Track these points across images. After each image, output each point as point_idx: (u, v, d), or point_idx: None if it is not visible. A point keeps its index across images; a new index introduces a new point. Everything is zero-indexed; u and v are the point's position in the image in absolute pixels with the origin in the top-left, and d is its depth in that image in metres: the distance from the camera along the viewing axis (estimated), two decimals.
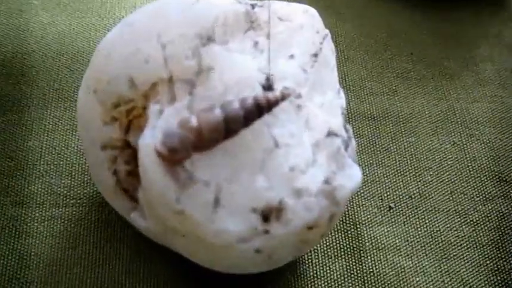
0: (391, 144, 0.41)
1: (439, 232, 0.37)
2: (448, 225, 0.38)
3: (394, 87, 0.43)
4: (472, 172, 0.40)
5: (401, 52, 0.45)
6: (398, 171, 0.40)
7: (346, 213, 0.37)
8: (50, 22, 0.44)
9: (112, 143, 0.31)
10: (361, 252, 0.36)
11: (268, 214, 0.29)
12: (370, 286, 0.35)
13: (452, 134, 0.41)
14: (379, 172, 0.39)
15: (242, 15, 0.31)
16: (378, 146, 0.40)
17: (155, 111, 0.29)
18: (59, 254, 0.35)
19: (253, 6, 0.32)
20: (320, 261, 0.36)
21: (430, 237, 0.37)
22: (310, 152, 0.30)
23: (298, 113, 0.30)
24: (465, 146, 0.41)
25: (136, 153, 0.31)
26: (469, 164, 0.40)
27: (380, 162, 0.40)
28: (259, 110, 0.29)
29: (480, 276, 0.36)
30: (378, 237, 0.37)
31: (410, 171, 0.40)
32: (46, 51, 0.42)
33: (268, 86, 0.30)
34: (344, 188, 0.30)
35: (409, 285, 0.35)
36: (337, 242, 0.37)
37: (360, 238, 0.37)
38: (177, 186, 0.27)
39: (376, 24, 0.46)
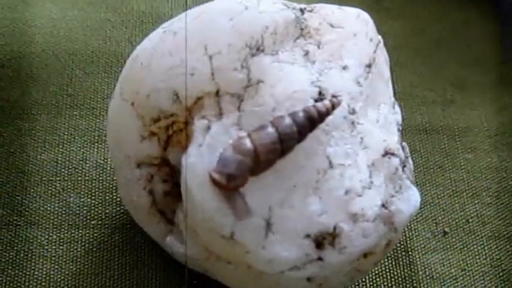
0: (445, 161, 0.45)
1: (499, 260, 0.42)
2: (510, 253, 0.43)
3: (448, 96, 0.48)
4: None
5: (456, 55, 0.50)
6: (454, 191, 0.44)
7: None
8: (60, 17, 0.48)
9: (149, 160, 0.36)
10: (414, 281, 0.41)
11: (322, 240, 0.33)
12: None
13: None
14: (432, 192, 0.44)
15: (292, 22, 0.36)
16: (431, 163, 0.45)
17: (201, 127, 0.34)
18: (80, 280, 0.39)
19: (302, 11, 0.37)
20: None
21: (489, 265, 0.42)
22: (367, 173, 0.34)
23: (352, 130, 0.35)
24: None
25: (174, 171, 0.36)
26: None
27: (434, 182, 0.45)
28: (311, 122, 0.34)
29: None
30: (432, 266, 0.42)
31: (467, 191, 0.44)
32: (56, 50, 0.47)
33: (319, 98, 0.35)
34: (402, 212, 0.35)
35: None
36: (388, 270, 0.41)
37: (412, 266, 0.41)
38: (233, 217, 0.32)
39: (428, 22, 0.51)
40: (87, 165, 0.43)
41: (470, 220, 0.43)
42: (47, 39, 0.47)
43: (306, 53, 0.36)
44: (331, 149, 0.34)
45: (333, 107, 0.35)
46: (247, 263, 0.33)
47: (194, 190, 0.33)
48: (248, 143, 0.32)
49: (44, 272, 0.40)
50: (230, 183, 0.32)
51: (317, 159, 0.34)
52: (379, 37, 0.39)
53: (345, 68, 0.36)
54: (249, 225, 0.32)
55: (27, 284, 0.39)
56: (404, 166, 0.36)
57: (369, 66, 0.37)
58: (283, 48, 0.35)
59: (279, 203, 0.33)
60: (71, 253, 0.40)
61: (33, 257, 0.40)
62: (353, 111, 0.35)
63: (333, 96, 0.35)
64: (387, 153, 0.35)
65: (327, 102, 0.34)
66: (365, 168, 0.34)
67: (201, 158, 0.33)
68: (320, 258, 0.33)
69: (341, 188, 0.34)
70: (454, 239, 0.43)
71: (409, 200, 0.35)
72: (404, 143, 0.37)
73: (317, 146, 0.34)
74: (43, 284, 0.39)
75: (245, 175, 0.32)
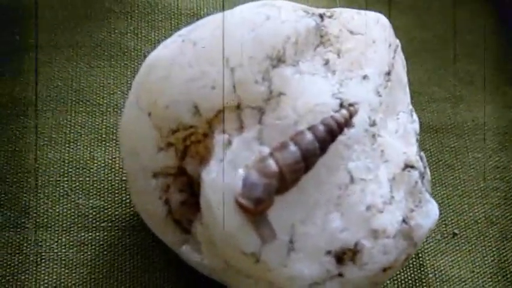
0: (454, 161, 0.46)
1: (508, 262, 0.43)
2: None
3: (457, 93, 0.48)
4: None
5: (465, 51, 0.49)
6: (463, 192, 0.45)
7: None
8: (62, 6, 0.47)
9: (166, 170, 0.35)
10: (424, 284, 0.41)
11: (343, 256, 0.33)
12: None
13: None
14: (442, 193, 0.44)
15: (312, 30, 0.35)
16: (440, 162, 0.45)
17: (222, 142, 0.33)
18: (91, 284, 0.39)
19: (321, 17, 0.36)
20: None
21: (498, 267, 0.42)
22: (387, 188, 0.34)
23: (373, 143, 0.35)
24: None
25: (191, 181, 0.36)
26: None
27: (442, 182, 0.45)
28: (331, 135, 0.33)
29: None
30: (442, 268, 0.42)
31: (476, 192, 0.45)
32: (60, 43, 0.45)
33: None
34: (422, 227, 0.35)
35: None
36: (398, 273, 0.42)
37: (422, 269, 0.42)
38: (259, 240, 0.31)
39: (436, 17, 0.50)
40: (95, 164, 0.42)
41: (479, 221, 0.44)
42: (49, 30, 0.45)
43: (326, 62, 0.35)
44: (352, 163, 0.34)
45: (351, 116, 0.34)
46: (268, 279, 0.33)
47: (215, 206, 0.33)
48: (273, 165, 0.32)
49: (54, 276, 0.39)
50: (258, 208, 0.31)
51: (338, 174, 0.34)
52: (397, 41, 0.38)
53: (365, 77, 0.36)
54: (272, 243, 0.32)
55: None
56: (423, 178, 0.36)
57: (388, 73, 0.37)
58: (303, 58, 0.35)
59: (301, 220, 0.33)
60: (81, 256, 0.40)
61: (43, 260, 0.39)
62: (373, 123, 0.35)
63: (349, 104, 0.34)
64: (407, 166, 0.35)
65: (344, 112, 0.34)
66: (386, 183, 0.34)
67: (222, 174, 0.33)
68: (340, 274, 0.33)
69: (362, 204, 0.34)
70: (463, 241, 0.43)
71: (429, 214, 0.35)
72: (422, 153, 0.37)
73: (339, 161, 0.34)
74: None
75: (272, 197, 0.32)
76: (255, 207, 0.31)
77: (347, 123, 0.34)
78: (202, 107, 0.33)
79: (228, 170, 0.33)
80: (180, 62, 0.34)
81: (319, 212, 0.33)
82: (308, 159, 0.33)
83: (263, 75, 0.33)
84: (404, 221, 0.34)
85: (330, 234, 0.33)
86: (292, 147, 0.33)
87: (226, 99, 0.33)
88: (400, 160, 0.35)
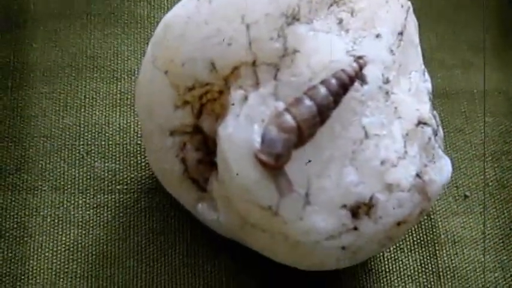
0: (465, 125, 0.46)
1: None
2: None
3: (468, 59, 0.48)
4: None
5: (476, 17, 0.50)
6: (474, 155, 0.45)
7: None
8: None
9: (182, 129, 0.36)
10: (436, 245, 0.42)
11: (358, 210, 0.34)
12: (445, 282, 0.41)
13: None
14: (453, 156, 0.45)
15: None
16: (451, 127, 0.46)
17: (238, 97, 0.34)
18: (109, 245, 0.40)
19: None
20: (392, 256, 0.41)
21: (508, 228, 0.43)
22: (401, 144, 0.35)
23: (387, 100, 0.35)
24: None
25: (207, 139, 0.36)
26: None
27: (454, 146, 0.45)
28: (344, 88, 0.34)
29: None
30: (454, 229, 0.42)
31: (487, 155, 0.45)
32: (74, 11, 0.46)
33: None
34: (435, 182, 0.35)
35: (487, 282, 0.41)
36: (410, 234, 0.42)
37: (434, 230, 0.42)
38: (277, 192, 0.32)
39: None
40: (110, 129, 0.43)
41: (490, 184, 0.44)
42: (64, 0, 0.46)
43: (340, 21, 0.36)
44: (366, 119, 0.34)
45: (361, 68, 0.35)
46: (284, 233, 0.34)
47: (231, 161, 0.33)
48: (290, 120, 0.32)
49: (72, 238, 0.40)
50: (278, 163, 0.32)
51: (353, 129, 0.34)
52: (409, 2, 0.39)
53: (378, 36, 0.36)
54: (289, 196, 0.33)
55: (55, 249, 0.39)
56: (436, 135, 0.36)
57: (401, 33, 0.37)
58: (317, 16, 0.35)
59: (316, 174, 0.33)
60: (98, 218, 0.40)
61: (60, 222, 0.40)
62: (387, 81, 0.35)
63: (358, 57, 0.35)
64: (420, 123, 0.36)
65: (354, 64, 0.34)
66: (400, 138, 0.35)
67: (239, 129, 0.33)
68: (355, 228, 0.34)
69: (377, 159, 0.34)
70: (474, 203, 0.43)
71: (442, 169, 0.36)
72: (435, 112, 0.37)
73: (353, 117, 0.34)
74: (71, 249, 0.40)
75: (290, 152, 0.32)
76: (276, 163, 0.32)
77: (357, 75, 0.34)
78: (219, 63, 0.34)
79: (244, 124, 0.33)
80: (196, 19, 0.34)
81: (334, 166, 0.34)
82: (323, 113, 0.33)
83: (278, 32, 0.34)
84: (418, 175, 0.35)
85: (345, 188, 0.33)
86: (308, 102, 0.33)
87: (242, 55, 0.33)
88: (413, 116, 0.36)
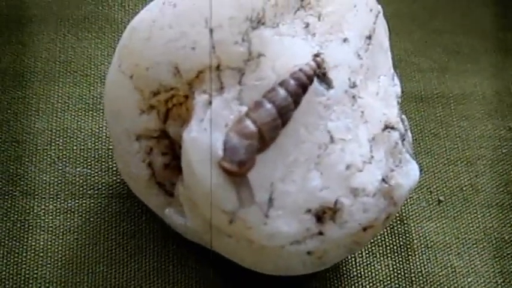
0: (440, 130, 0.46)
1: (492, 228, 0.43)
2: (503, 221, 0.43)
3: (443, 64, 0.48)
4: None
5: (452, 22, 0.50)
6: (448, 160, 0.45)
7: None
8: None
9: (148, 133, 0.36)
10: (409, 250, 0.42)
11: (323, 215, 0.34)
12: (418, 287, 0.41)
13: (508, 118, 0.47)
14: (427, 161, 0.45)
15: None
16: (425, 131, 0.46)
17: (202, 102, 0.34)
18: (78, 251, 0.40)
19: None
20: (364, 260, 0.41)
21: (482, 233, 0.43)
22: (367, 148, 0.35)
23: (353, 104, 0.35)
24: None
25: (174, 144, 0.36)
26: None
27: (428, 150, 0.45)
28: (303, 87, 0.34)
29: None
30: (427, 234, 0.42)
31: (462, 160, 0.45)
32: (47, 15, 0.46)
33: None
34: (402, 186, 0.35)
35: (460, 286, 0.41)
36: (383, 239, 0.42)
37: (407, 235, 0.42)
38: (238, 203, 0.32)
39: None
40: (82, 134, 0.43)
41: (464, 189, 0.44)
42: (37, 3, 0.46)
43: (307, 25, 0.36)
44: (332, 123, 0.34)
45: (318, 66, 0.34)
46: (249, 238, 0.33)
47: (195, 165, 0.33)
48: (251, 125, 0.32)
49: (41, 243, 0.40)
50: (242, 169, 0.32)
51: (318, 134, 0.34)
52: (379, 7, 0.39)
53: (345, 40, 0.36)
54: (248, 207, 0.33)
55: (24, 254, 0.39)
56: (403, 140, 0.36)
57: (369, 37, 0.37)
58: (283, 20, 0.35)
59: (280, 178, 0.33)
60: (68, 223, 0.40)
61: (30, 227, 0.40)
62: (354, 85, 0.35)
63: (315, 55, 0.34)
64: (387, 127, 0.36)
65: (312, 63, 0.34)
66: (366, 143, 0.35)
67: (203, 133, 0.33)
68: (321, 233, 0.34)
69: (342, 163, 0.34)
70: (448, 208, 0.43)
71: (409, 174, 0.36)
72: (403, 116, 0.37)
73: (318, 121, 0.34)
74: (40, 254, 0.39)
75: (254, 157, 0.32)
76: (239, 169, 0.32)
77: (315, 73, 0.34)
78: (183, 67, 0.34)
79: (208, 129, 0.33)
80: (160, 23, 0.34)
81: (298, 170, 0.33)
82: (284, 115, 0.33)
83: (243, 36, 0.34)
84: (384, 180, 0.35)
85: (310, 193, 0.33)
86: (267, 105, 0.33)
87: (206, 59, 0.33)
88: (380, 121, 0.36)
